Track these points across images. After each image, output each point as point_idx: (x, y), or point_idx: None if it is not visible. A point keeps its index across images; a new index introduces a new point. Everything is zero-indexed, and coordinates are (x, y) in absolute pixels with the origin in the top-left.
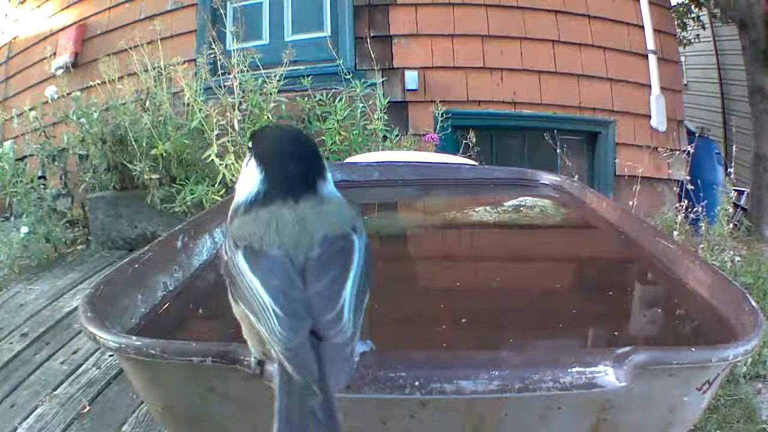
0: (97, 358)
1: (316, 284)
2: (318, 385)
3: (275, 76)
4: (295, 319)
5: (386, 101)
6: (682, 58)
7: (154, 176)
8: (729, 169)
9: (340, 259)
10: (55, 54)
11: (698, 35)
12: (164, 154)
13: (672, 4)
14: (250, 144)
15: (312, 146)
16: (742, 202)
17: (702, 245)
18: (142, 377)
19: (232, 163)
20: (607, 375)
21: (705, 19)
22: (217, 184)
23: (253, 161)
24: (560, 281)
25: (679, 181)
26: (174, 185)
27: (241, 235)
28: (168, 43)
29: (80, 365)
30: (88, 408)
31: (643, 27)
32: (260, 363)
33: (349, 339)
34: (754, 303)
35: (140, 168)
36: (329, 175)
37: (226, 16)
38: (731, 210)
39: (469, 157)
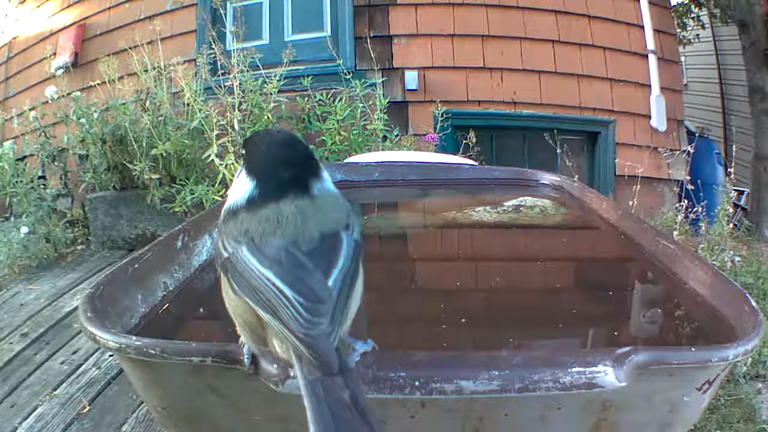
0: (97, 358)
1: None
2: (343, 377)
3: (275, 76)
4: (317, 305)
5: (386, 101)
6: (682, 58)
7: (154, 176)
8: (729, 169)
9: (329, 255)
10: (55, 54)
11: (698, 35)
12: (164, 154)
13: (672, 4)
14: (243, 150)
15: (303, 147)
16: (742, 202)
17: (702, 245)
18: (142, 377)
19: (232, 163)
20: (607, 375)
21: (705, 19)
22: (217, 184)
23: (246, 166)
24: (560, 281)
25: (679, 181)
26: (174, 185)
27: (242, 231)
28: (168, 43)
29: (80, 365)
30: (88, 408)
31: (643, 27)
32: (254, 361)
33: (328, 332)
34: (754, 303)
35: (140, 168)
36: (324, 174)
37: (226, 16)
38: (731, 210)
39: (469, 157)
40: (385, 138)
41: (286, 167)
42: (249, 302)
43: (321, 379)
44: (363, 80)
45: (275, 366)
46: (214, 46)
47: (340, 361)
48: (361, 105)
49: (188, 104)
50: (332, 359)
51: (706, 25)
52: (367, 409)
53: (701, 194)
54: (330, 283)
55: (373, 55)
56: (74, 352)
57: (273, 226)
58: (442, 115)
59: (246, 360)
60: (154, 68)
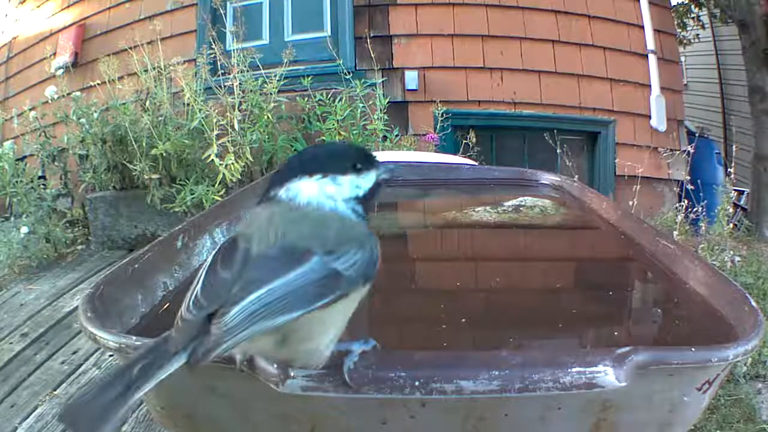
0: (97, 358)
1: (249, 276)
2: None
3: (275, 76)
4: (205, 300)
5: (386, 101)
6: (682, 58)
7: (154, 176)
8: (729, 169)
9: (282, 268)
10: (55, 54)
11: (698, 35)
12: (164, 154)
13: (672, 4)
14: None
15: (332, 150)
16: (742, 202)
17: (702, 245)
18: None
19: (233, 163)
20: (607, 375)
21: (705, 19)
22: (217, 184)
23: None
24: (560, 281)
25: (679, 181)
26: (174, 185)
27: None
28: (168, 43)
29: (80, 365)
30: None
31: (643, 27)
32: (249, 359)
33: (221, 334)
34: (754, 303)
35: (140, 168)
36: (325, 184)
37: (226, 16)
38: (731, 210)
39: (469, 157)
40: (385, 138)
41: (285, 171)
42: None
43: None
44: (363, 80)
45: (275, 366)
46: (214, 46)
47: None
48: (361, 105)
49: (188, 104)
50: (180, 340)
51: (706, 25)
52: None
53: (701, 194)
54: (258, 292)
55: (373, 55)
56: (74, 352)
57: (245, 226)
58: (442, 115)
59: (238, 358)
60: (154, 68)
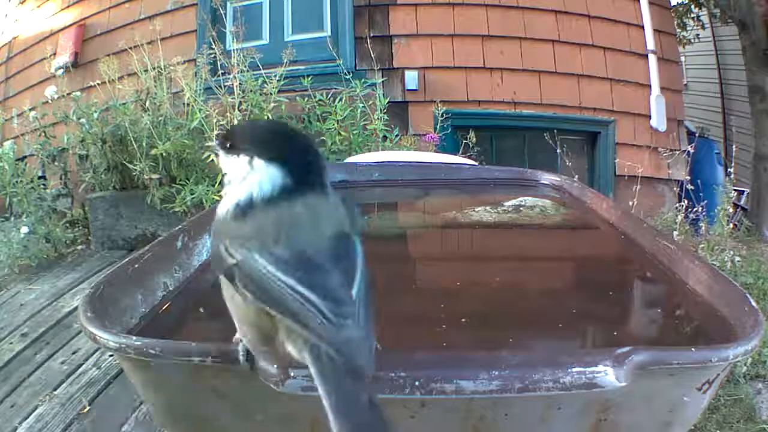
0: (97, 358)
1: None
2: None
3: (275, 76)
4: (339, 307)
5: (386, 101)
6: (682, 58)
7: (154, 176)
8: (729, 169)
9: (344, 255)
10: (55, 54)
11: (698, 35)
12: (164, 154)
13: (672, 4)
14: (236, 141)
15: (311, 139)
16: (742, 202)
17: (702, 245)
18: (142, 377)
19: None
20: (607, 375)
21: (705, 19)
22: (217, 184)
23: (253, 156)
24: (560, 281)
25: (679, 181)
26: (174, 185)
27: (251, 234)
28: (168, 43)
29: (80, 365)
30: (88, 408)
31: (643, 27)
32: (249, 358)
33: (366, 333)
34: (754, 303)
35: (140, 168)
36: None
37: (226, 16)
38: (731, 210)
39: (469, 157)
40: (385, 138)
41: (305, 157)
42: (271, 311)
43: (344, 381)
44: (363, 80)
45: (275, 366)
46: (214, 46)
47: (367, 363)
48: (361, 105)
49: (188, 104)
50: (362, 362)
51: (706, 25)
52: (382, 411)
53: (701, 194)
54: (354, 284)
55: (373, 55)
56: (74, 352)
57: (286, 227)
58: (442, 115)
59: (241, 357)
60: (154, 68)
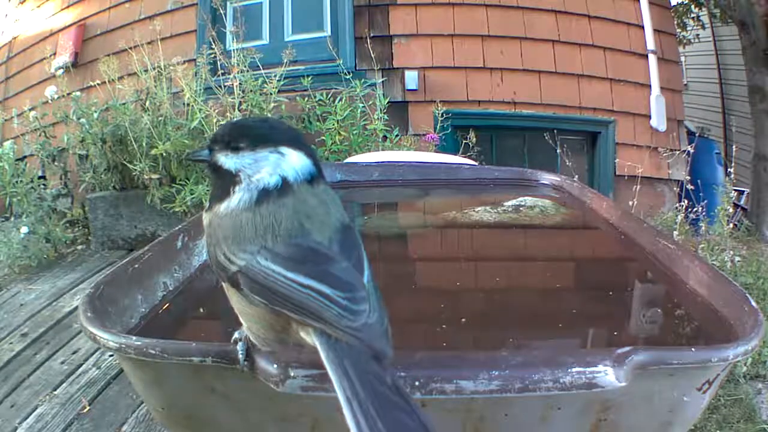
0: (97, 358)
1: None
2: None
3: (275, 76)
4: (352, 293)
5: (386, 101)
6: (682, 58)
7: (154, 176)
8: (729, 169)
9: (355, 245)
10: (55, 54)
11: (698, 35)
12: (164, 154)
13: (672, 4)
14: (252, 134)
15: (295, 129)
16: (742, 202)
17: (702, 245)
18: (142, 377)
19: None
20: (607, 375)
21: (705, 19)
22: None
23: (256, 149)
24: (560, 281)
25: (679, 181)
26: (174, 185)
27: (252, 236)
28: (168, 43)
29: (80, 365)
30: (88, 408)
31: (643, 27)
32: (248, 358)
33: (380, 317)
34: (754, 303)
35: (140, 168)
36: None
37: (226, 16)
38: (731, 210)
39: (469, 157)
40: (385, 138)
41: (306, 150)
42: (283, 310)
43: (367, 366)
44: (363, 80)
45: (275, 366)
46: (214, 46)
47: (386, 346)
48: (361, 105)
49: (188, 104)
50: (383, 347)
51: (706, 25)
52: (407, 393)
53: (701, 194)
54: (365, 271)
55: (373, 55)
56: (74, 352)
57: (289, 221)
58: (442, 115)
59: (240, 357)
60: (154, 68)
